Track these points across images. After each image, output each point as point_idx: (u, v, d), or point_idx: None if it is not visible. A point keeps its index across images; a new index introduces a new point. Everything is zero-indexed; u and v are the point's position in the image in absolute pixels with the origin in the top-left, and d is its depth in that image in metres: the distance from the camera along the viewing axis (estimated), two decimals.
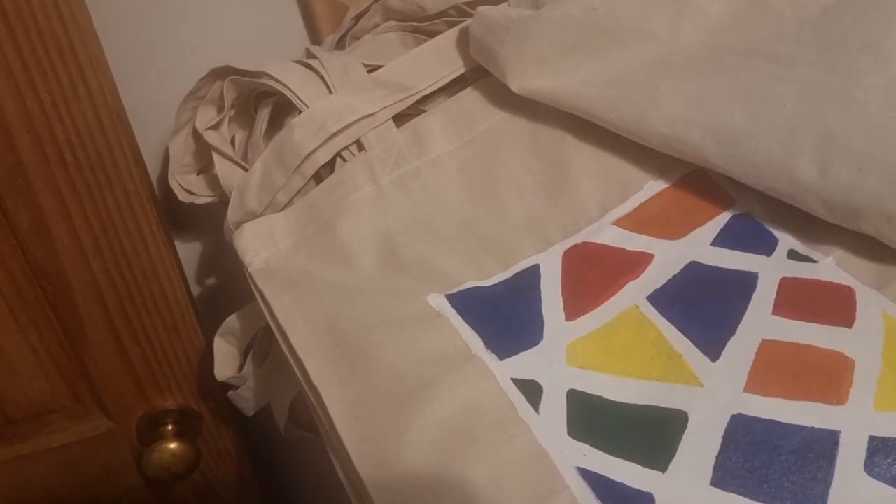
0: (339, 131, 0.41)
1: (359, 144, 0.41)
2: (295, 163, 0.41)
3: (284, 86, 0.42)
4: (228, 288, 0.59)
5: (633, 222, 0.37)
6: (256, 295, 0.38)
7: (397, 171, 0.40)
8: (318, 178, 0.44)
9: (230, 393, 0.47)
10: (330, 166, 0.42)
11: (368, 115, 0.41)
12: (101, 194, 0.46)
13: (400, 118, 0.42)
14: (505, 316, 0.34)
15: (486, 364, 0.32)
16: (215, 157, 0.45)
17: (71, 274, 0.48)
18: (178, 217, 0.55)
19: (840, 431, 0.29)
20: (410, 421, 0.30)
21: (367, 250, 0.38)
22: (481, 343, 0.33)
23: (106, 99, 0.44)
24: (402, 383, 0.32)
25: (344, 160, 0.42)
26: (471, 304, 0.34)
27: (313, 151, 0.41)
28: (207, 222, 0.56)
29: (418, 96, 0.42)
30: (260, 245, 0.40)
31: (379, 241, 0.38)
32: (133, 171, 0.47)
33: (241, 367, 0.46)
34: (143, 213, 0.48)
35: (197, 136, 0.46)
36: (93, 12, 0.45)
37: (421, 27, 0.45)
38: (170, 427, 0.56)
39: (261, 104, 0.45)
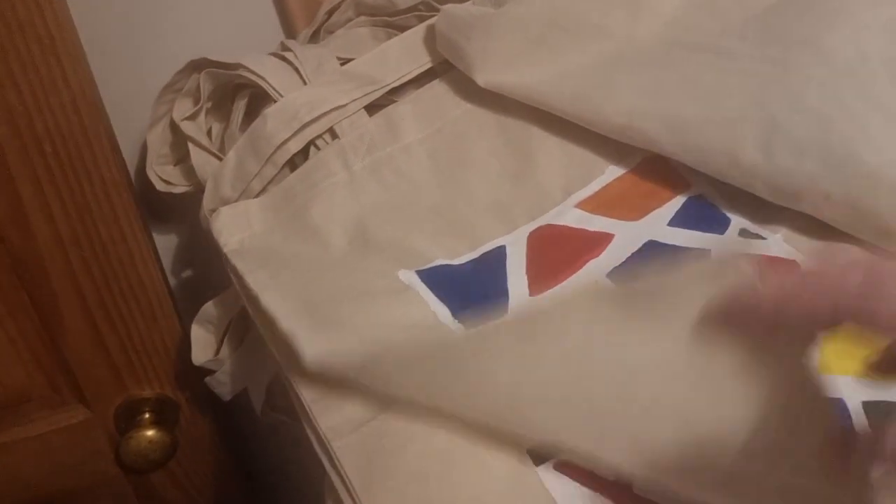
0: (311, 121, 0.42)
1: (332, 133, 0.43)
2: (268, 152, 0.43)
3: (260, 77, 0.44)
4: (205, 278, 0.60)
5: (594, 205, 0.40)
6: (231, 273, 0.40)
7: (370, 157, 0.42)
8: (293, 165, 0.45)
9: (207, 378, 0.48)
10: (304, 154, 0.44)
11: (340, 107, 0.42)
12: (78, 184, 0.47)
13: (372, 107, 0.44)
14: (472, 291, 0.36)
15: (453, 332, 0.34)
16: (191, 147, 0.47)
17: (48, 262, 0.49)
18: (155, 209, 0.56)
19: None
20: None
21: (340, 233, 0.40)
22: (449, 314, 0.34)
23: (84, 90, 0.45)
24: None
25: (318, 148, 0.44)
26: (440, 280, 0.36)
27: (286, 141, 0.42)
28: (184, 214, 0.57)
29: (387, 89, 0.44)
30: (236, 227, 0.41)
31: (351, 225, 0.40)
32: (110, 161, 0.48)
33: (217, 352, 0.47)
34: (120, 202, 0.49)
35: (174, 127, 0.48)
36: (70, 5, 0.46)
37: (391, 21, 0.47)
38: (147, 415, 0.57)
39: (237, 96, 0.47)
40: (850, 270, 0.20)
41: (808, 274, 0.21)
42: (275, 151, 0.42)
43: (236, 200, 0.44)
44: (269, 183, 0.44)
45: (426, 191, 0.41)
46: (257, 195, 0.44)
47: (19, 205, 0.47)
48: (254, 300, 0.36)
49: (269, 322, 0.35)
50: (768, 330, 0.21)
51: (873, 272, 0.19)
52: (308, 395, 0.34)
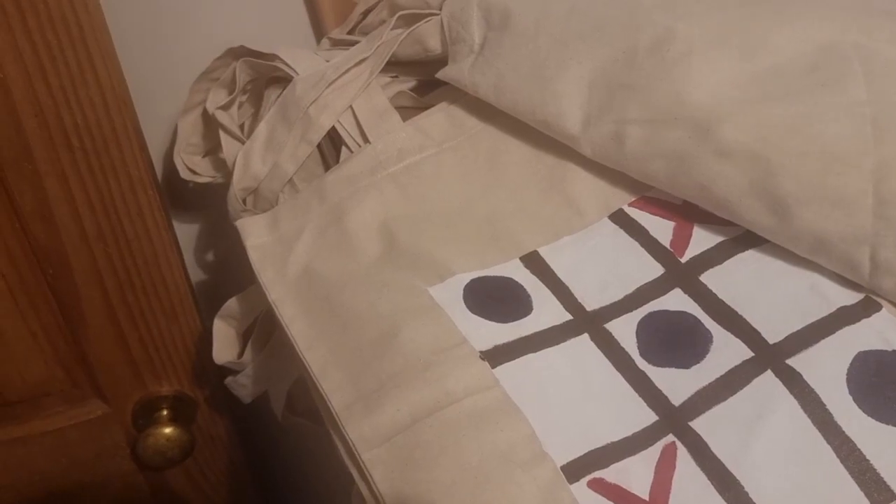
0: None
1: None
2: (297, 115, 0.43)
3: (293, 70, 0.43)
4: (227, 275, 0.59)
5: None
6: (258, 278, 0.39)
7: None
8: (326, 164, 0.45)
9: (228, 380, 0.47)
10: (336, 149, 0.43)
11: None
12: (104, 179, 0.47)
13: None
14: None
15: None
16: (222, 135, 0.46)
17: (72, 257, 0.49)
18: (181, 201, 0.55)
19: None
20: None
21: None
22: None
23: (113, 85, 0.45)
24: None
25: (350, 150, 0.43)
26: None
27: (314, 101, 0.42)
28: (208, 210, 0.57)
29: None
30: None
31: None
32: (137, 158, 0.47)
33: (240, 353, 0.47)
34: (145, 199, 0.48)
35: (206, 117, 0.47)
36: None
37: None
38: (165, 412, 0.56)
39: (270, 88, 0.46)
40: None
41: None
42: (307, 124, 0.42)
43: (266, 175, 0.43)
44: (300, 169, 0.44)
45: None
46: (288, 179, 0.44)
47: (45, 199, 0.46)
48: (281, 326, 0.36)
49: (298, 353, 0.35)
50: None
51: None
52: (337, 403, 0.33)
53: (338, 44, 0.49)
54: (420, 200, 0.41)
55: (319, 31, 0.52)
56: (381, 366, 0.33)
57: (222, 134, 0.46)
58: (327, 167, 0.45)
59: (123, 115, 0.46)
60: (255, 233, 0.41)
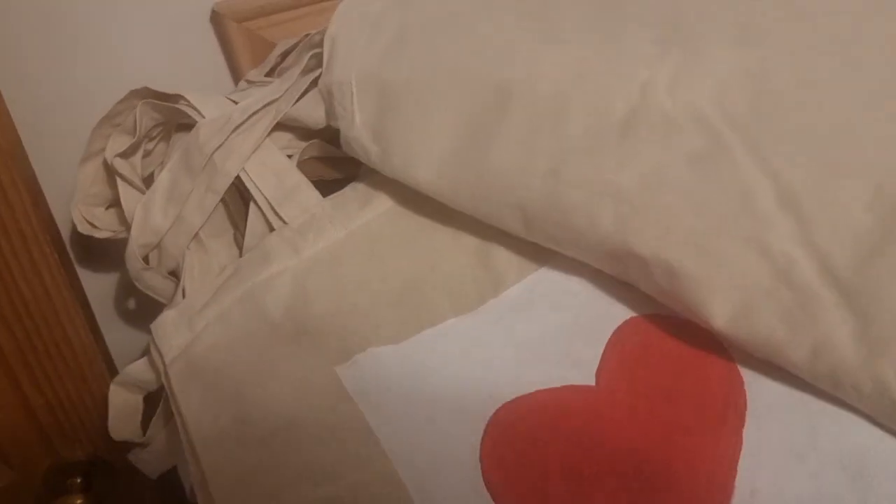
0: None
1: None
2: (201, 163, 0.39)
3: (198, 111, 0.40)
4: (144, 328, 0.55)
5: None
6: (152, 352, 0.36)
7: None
8: (231, 217, 0.41)
9: (130, 455, 0.43)
10: (243, 201, 0.40)
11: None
12: None
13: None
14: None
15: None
16: (120, 185, 0.42)
17: None
18: (92, 253, 0.51)
19: None
20: None
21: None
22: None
23: None
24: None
25: (255, 202, 0.40)
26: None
27: (219, 147, 0.39)
28: (120, 260, 0.53)
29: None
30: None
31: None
32: (30, 213, 0.43)
33: (145, 428, 0.43)
34: (41, 256, 0.44)
35: (108, 166, 0.43)
36: None
37: None
38: (79, 480, 0.52)
39: (180, 132, 0.43)
40: None
41: None
42: (213, 173, 0.39)
43: (168, 229, 0.40)
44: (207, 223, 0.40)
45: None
46: (195, 233, 0.40)
47: None
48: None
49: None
50: None
51: None
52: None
53: (255, 86, 0.46)
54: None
55: (236, 72, 0.48)
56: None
57: (121, 184, 0.42)
58: (232, 220, 0.41)
59: (11, 169, 0.42)
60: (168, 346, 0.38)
